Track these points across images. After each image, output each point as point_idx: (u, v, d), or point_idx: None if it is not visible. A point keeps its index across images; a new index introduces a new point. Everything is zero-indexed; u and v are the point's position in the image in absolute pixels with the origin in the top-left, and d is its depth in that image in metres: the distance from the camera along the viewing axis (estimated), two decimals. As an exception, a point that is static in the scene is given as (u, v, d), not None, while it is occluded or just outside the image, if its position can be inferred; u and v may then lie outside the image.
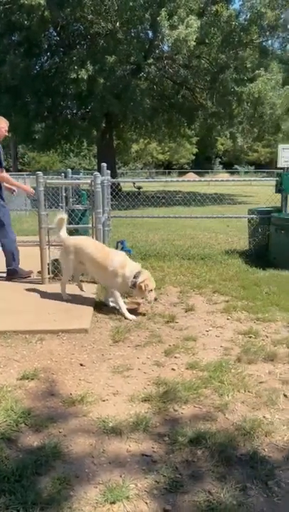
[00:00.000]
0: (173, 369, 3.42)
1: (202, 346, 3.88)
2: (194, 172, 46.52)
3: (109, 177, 7.20)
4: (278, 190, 7.37)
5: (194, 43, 16.55)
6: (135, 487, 2.15)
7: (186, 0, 17.55)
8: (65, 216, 5.10)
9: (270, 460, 2.34)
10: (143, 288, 4.61)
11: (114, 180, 8.05)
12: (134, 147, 44.08)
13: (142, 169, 56.83)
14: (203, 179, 29.86)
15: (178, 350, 3.76)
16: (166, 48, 20.33)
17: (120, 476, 2.22)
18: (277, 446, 2.47)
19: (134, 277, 4.63)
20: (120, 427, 2.63)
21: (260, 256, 7.21)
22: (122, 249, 5.50)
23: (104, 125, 22.70)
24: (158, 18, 16.52)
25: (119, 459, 2.36)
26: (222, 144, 50.37)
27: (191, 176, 42.41)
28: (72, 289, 5.32)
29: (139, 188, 24.09)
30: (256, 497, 2.08)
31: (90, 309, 4.70)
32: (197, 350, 3.80)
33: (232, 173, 50.22)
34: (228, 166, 56.58)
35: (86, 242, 4.98)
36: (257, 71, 18.80)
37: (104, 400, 2.95)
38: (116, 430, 2.60)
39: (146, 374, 3.34)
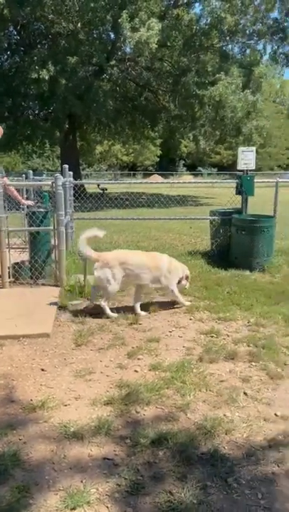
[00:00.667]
0: (136, 371, 3.43)
1: (165, 347, 3.91)
2: (159, 174, 46.81)
3: (71, 178, 7.14)
4: (238, 192, 7.52)
5: (156, 46, 16.65)
6: (96, 491, 2.13)
7: (147, 3, 17.66)
8: (101, 233, 4.85)
9: (230, 457, 2.38)
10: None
11: (76, 181, 7.97)
12: (99, 148, 43.83)
13: (106, 171, 56.61)
14: (166, 181, 30.12)
15: (141, 352, 3.76)
16: (128, 49, 20.37)
17: (81, 482, 2.20)
18: (236, 443, 2.52)
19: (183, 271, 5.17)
20: (82, 431, 2.61)
21: (222, 256, 7.32)
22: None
23: (67, 126, 22.48)
24: (119, 20, 16.52)
25: (81, 464, 2.34)
26: (186, 147, 50.95)
27: (156, 177, 42.64)
28: (35, 293, 5.24)
29: (103, 189, 23.98)
30: (216, 495, 2.11)
31: (52, 313, 4.63)
32: (160, 351, 3.82)
33: (196, 175, 50.88)
34: (191, 168, 57.30)
35: (125, 253, 5.07)
36: (218, 75, 19.11)
37: (65, 405, 2.91)
38: (77, 435, 2.57)
39: (109, 377, 3.32)
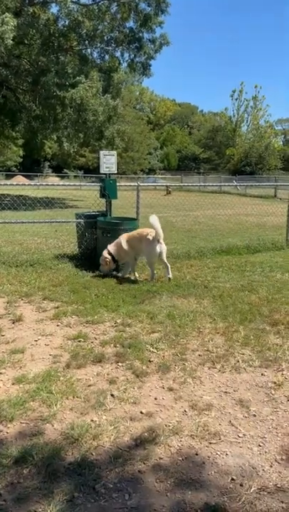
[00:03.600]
0: (-2, 387, 3.21)
1: (30, 357, 3.74)
2: (23, 175, 45.05)
3: None
4: (102, 195, 7.62)
5: (12, 42, 15.94)
6: None
7: (1, -3, 16.79)
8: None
9: (98, 463, 2.37)
10: None
11: None
12: None
13: None
14: (33, 183, 29.10)
15: (4, 366, 3.55)
16: (-18, 43, 19.11)
17: None
18: (104, 447, 2.52)
19: None
20: None
21: (89, 259, 7.34)
22: None
23: None
24: None
25: None
26: (50, 148, 49.97)
27: (20, 179, 40.96)
28: None
29: None
30: (84, 505, 2.08)
31: None
32: (25, 362, 3.65)
33: (62, 177, 50.30)
34: (57, 170, 56.48)
35: None
36: (78, 77, 19.11)
37: None
38: None
39: None
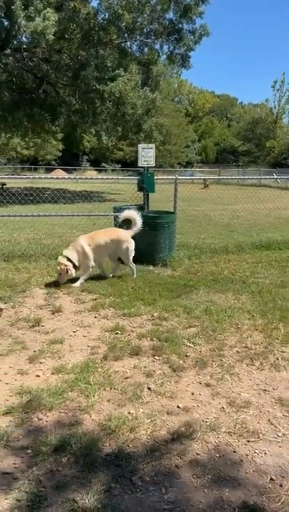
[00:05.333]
0: (38, 375, 3.29)
1: (69, 348, 3.81)
2: (62, 168, 45.83)
3: None
4: (140, 188, 7.63)
5: (53, 37, 16.15)
6: (-6, 512, 1.99)
7: (43, -8, 17.00)
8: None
9: (135, 455, 2.38)
10: None
11: None
12: (-4, 142, 41.48)
13: (5, 164, 53.90)
14: (72, 176, 29.52)
15: (43, 355, 3.63)
16: (24, 39, 19.49)
17: (-23, 503, 2.04)
18: (141, 440, 2.52)
19: None
20: (-22, 447, 2.42)
21: (126, 252, 7.36)
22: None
23: None
24: (12, 7, 15.69)
25: (-23, 484, 2.16)
26: (88, 142, 50.53)
27: (60, 172, 41.68)
28: None
29: (2, 184, 22.82)
30: (121, 496, 2.09)
31: None
32: (64, 352, 3.71)
33: (100, 170, 50.78)
34: (95, 163, 57.08)
35: None
36: (117, 71, 19.18)
37: None
38: (-28, 452, 2.38)
39: (9, 385, 3.14)
